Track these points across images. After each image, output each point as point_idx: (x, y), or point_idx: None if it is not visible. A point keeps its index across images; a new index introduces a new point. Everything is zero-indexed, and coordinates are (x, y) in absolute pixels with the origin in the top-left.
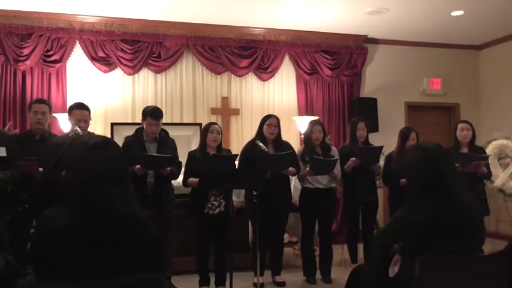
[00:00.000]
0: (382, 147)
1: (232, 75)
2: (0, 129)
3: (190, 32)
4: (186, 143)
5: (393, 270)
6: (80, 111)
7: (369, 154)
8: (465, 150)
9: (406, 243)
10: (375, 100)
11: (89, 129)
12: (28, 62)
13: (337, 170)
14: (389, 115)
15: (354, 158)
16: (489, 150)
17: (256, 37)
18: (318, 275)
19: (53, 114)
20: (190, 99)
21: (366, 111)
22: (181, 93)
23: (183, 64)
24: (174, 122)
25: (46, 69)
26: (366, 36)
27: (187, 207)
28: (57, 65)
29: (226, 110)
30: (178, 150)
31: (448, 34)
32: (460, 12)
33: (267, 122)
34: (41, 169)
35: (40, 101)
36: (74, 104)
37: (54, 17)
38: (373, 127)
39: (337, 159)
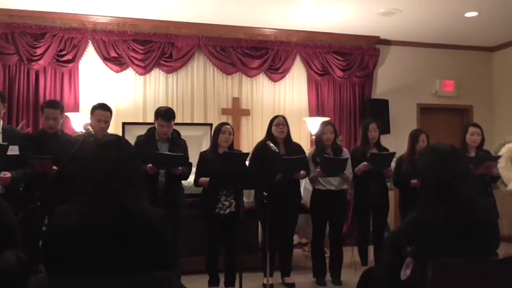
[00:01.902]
0: (394, 153)
1: (243, 75)
2: (14, 128)
3: (202, 32)
4: (197, 143)
5: (405, 273)
6: (102, 112)
7: (380, 160)
8: (472, 153)
9: (418, 246)
10: (386, 102)
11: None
12: (41, 62)
13: (348, 171)
14: (401, 117)
15: (365, 163)
16: (502, 153)
17: (267, 38)
18: (328, 277)
19: (65, 114)
20: (201, 99)
21: (378, 112)
22: (192, 93)
23: (194, 64)
24: (185, 122)
25: (59, 68)
26: (378, 37)
27: (198, 207)
28: (70, 65)
29: (237, 110)
30: (189, 150)
31: (462, 35)
32: (474, 14)
33: (274, 123)
34: (55, 167)
35: (52, 105)
36: (97, 104)
37: (67, 17)
38: (385, 129)
39: (347, 158)
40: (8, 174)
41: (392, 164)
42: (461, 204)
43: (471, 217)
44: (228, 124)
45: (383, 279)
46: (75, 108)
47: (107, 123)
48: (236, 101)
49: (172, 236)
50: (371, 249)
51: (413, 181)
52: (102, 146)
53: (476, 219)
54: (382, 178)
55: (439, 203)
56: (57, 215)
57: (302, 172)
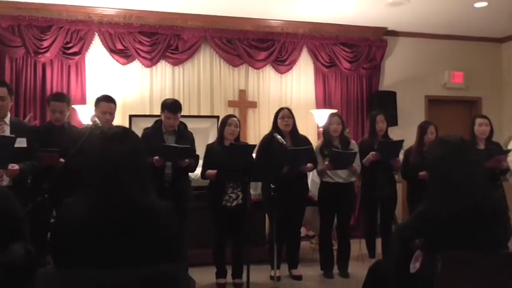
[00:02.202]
0: (402, 141)
1: (250, 67)
2: (21, 120)
3: (208, 24)
4: (204, 136)
5: (414, 266)
6: (106, 104)
7: (389, 148)
8: (481, 146)
9: (428, 239)
10: (394, 93)
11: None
12: (48, 54)
13: (356, 164)
14: (409, 109)
15: (373, 153)
16: (511, 145)
17: (274, 29)
18: (335, 270)
19: (72, 106)
20: (208, 91)
21: (385, 104)
22: (199, 85)
23: (200, 56)
24: (192, 114)
25: (65, 61)
26: (385, 28)
27: (205, 200)
28: (77, 57)
29: (244, 102)
30: (195, 143)
31: (471, 26)
32: (483, 4)
33: (279, 115)
34: (62, 160)
35: (58, 97)
36: (101, 96)
37: (73, 9)
38: (393, 121)
39: (356, 152)
40: (16, 167)
41: (401, 156)
42: (471, 197)
43: (481, 210)
44: (234, 116)
45: (391, 273)
46: (82, 100)
47: (112, 115)
48: (243, 93)
49: (179, 229)
50: (379, 241)
51: (422, 173)
52: (108, 138)
53: (486, 212)
54: (390, 169)
55: (448, 195)
56: (64, 207)
57: (309, 165)
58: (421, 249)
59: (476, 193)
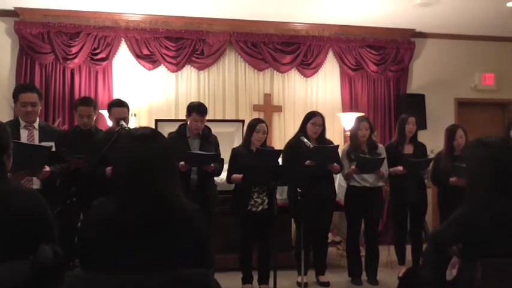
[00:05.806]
0: (431, 159)
1: (275, 71)
2: (50, 124)
3: (233, 28)
4: (229, 140)
5: (451, 273)
6: (118, 109)
7: (418, 167)
8: None
9: (467, 245)
10: (422, 96)
11: (130, 126)
12: (76, 60)
13: (384, 168)
14: (438, 112)
15: (400, 168)
16: None
17: (299, 32)
18: (364, 276)
19: (100, 111)
20: (233, 95)
21: (413, 108)
22: (224, 89)
23: (225, 61)
24: (217, 118)
25: (93, 67)
26: (413, 30)
27: (230, 204)
28: (104, 63)
29: (269, 107)
30: (220, 147)
31: (503, 26)
32: None
33: (311, 121)
34: None
35: (85, 102)
36: (112, 101)
37: (100, 15)
38: (421, 124)
39: (384, 158)
40: (47, 169)
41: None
42: None
43: None
44: (263, 122)
45: (428, 280)
46: None
47: (125, 119)
48: (268, 97)
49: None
50: (408, 248)
51: (453, 179)
52: (136, 138)
53: None
54: (421, 174)
55: (492, 200)
56: (92, 209)
57: (335, 165)
58: (459, 255)
59: None
